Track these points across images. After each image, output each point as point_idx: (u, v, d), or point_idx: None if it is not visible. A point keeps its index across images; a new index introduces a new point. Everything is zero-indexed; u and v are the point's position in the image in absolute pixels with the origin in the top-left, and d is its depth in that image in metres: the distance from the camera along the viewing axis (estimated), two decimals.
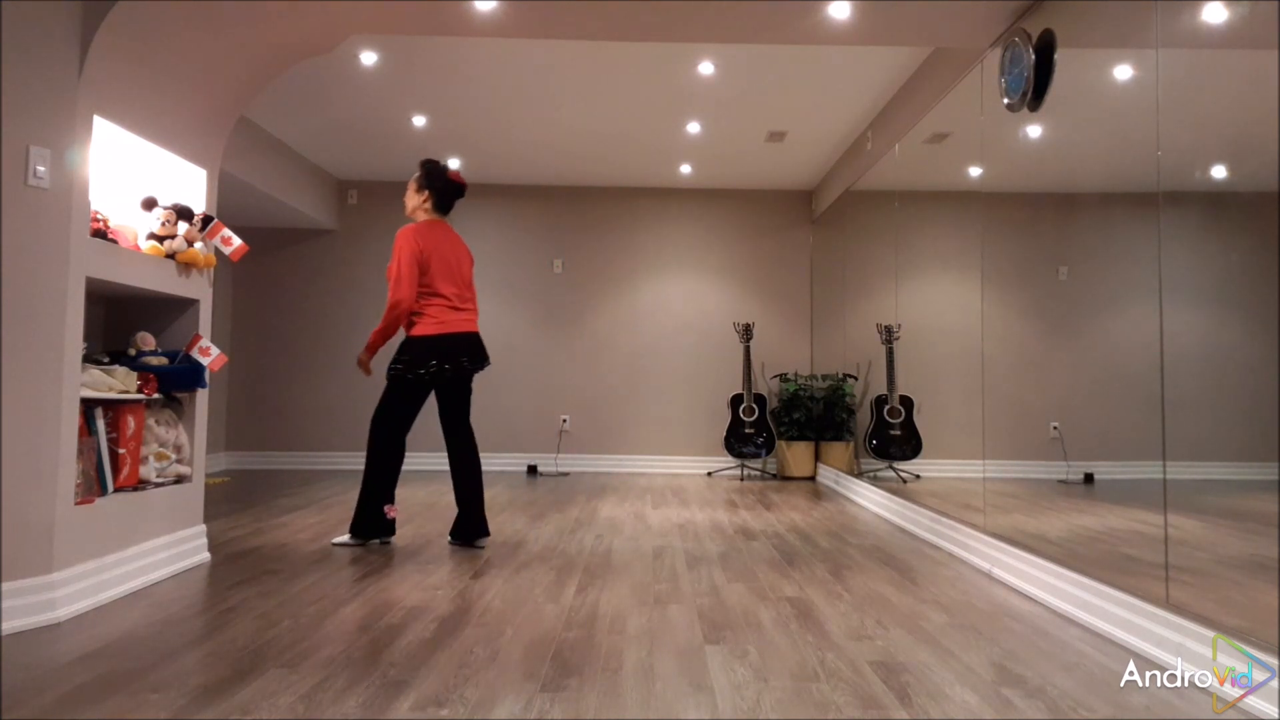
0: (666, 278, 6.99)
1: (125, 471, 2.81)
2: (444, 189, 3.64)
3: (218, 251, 3.29)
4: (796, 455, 6.48)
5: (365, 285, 6.86)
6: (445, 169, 3.67)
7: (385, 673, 1.99)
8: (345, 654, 2.12)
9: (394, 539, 3.66)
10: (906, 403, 4.77)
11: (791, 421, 6.44)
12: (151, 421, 3.02)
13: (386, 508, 3.55)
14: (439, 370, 3.46)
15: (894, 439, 4.83)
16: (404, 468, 3.59)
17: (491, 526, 3.70)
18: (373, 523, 3.53)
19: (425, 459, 6.71)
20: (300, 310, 6.86)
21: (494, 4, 3.04)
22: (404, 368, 3.47)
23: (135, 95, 2.82)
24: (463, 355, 3.52)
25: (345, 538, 3.56)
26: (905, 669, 2.05)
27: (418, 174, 3.67)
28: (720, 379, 6.85)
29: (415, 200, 3.65)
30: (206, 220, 3.16)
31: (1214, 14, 2.16)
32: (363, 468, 3.57)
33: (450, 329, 3.49)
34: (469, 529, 3.57)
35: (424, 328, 3.47)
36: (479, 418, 6.91)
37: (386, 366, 3.57)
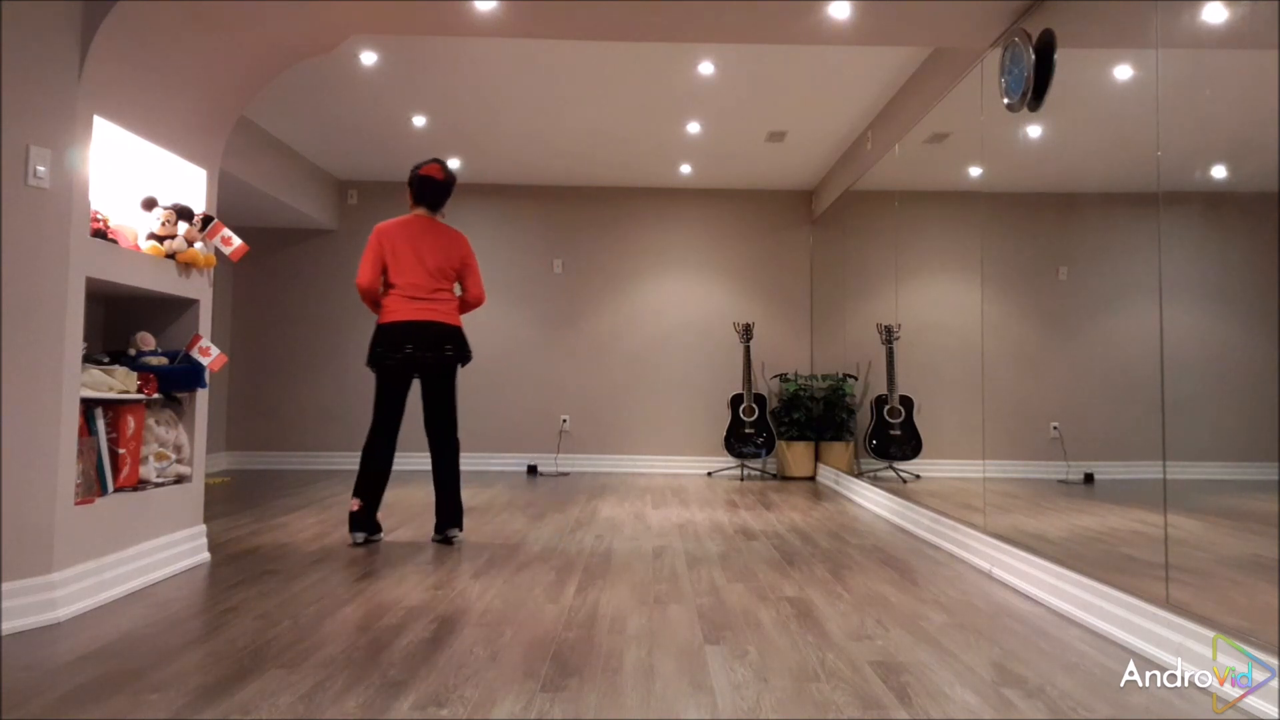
0: (666, 278, 6.98)
1: (125, 471, 2.82)
2: (414, 183, 3.75)
3: (218, 251, 3.29)
4: (796, 455, 6.48)
5: None
6: (418, 166, 3.76)
7: (385, 673, 1.99)
8: (345, 654, 2.12)
9: (377, 536, 3.65)
10: (906, 403, 4.77)
11: (791, 421, 6.43)
12: (151, 421, 3.02)
13: (351, 501, 3.58)
14: (384, 356, 3.54)
15: (894, 439, 4.83)
16: (408, 468, 3.59)
17: (491, 526, 3.70)
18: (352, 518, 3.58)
19: (421, 459, 6.73)
20: (300, 310, 6.86)
21: (494, 4, 3.04)
22: (367, 357, 3.63)
23: (135, 95, 2.82)
24: (408, 343, 3.51)
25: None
26: (905, 669, 2.05)
27: None
28: (720, 379, 6.85)
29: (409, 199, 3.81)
30: (206, 220, 3.16)
31: (1214, 14, 2.16)
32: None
33: (398, 318, 3.55)
34: (441, 520, 3.64)
35: (379, 317, 3.62)
36: (480, 417, 6.87)
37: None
